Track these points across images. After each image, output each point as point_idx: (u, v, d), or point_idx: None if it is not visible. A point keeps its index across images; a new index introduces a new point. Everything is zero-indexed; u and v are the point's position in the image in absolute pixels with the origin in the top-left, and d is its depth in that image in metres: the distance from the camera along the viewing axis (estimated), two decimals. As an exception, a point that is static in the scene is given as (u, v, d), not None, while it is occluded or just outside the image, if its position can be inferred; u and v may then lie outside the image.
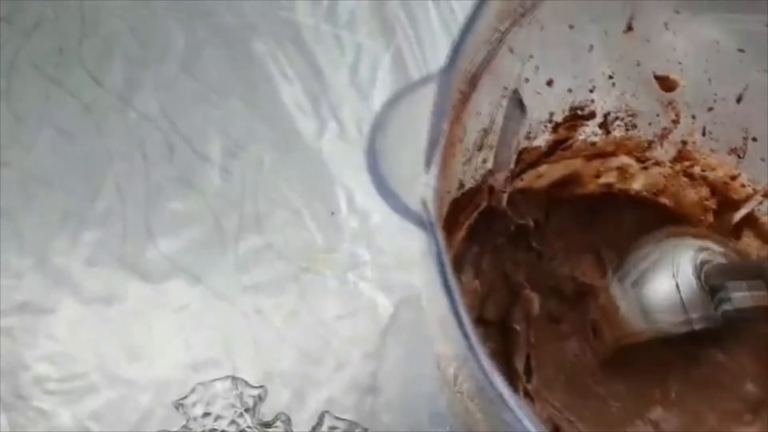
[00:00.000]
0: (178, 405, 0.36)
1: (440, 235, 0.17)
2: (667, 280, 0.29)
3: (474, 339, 0.16)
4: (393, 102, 0.19)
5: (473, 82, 0.21)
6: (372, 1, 0.56)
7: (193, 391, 0.37)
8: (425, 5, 0.56)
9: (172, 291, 0.48)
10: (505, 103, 0.23)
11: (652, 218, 0.32)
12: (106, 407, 0.46)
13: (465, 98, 0.21)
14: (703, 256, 0.29)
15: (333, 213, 0.51)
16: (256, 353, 0.47)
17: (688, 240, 0.30)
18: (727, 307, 0.29)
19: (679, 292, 0.29)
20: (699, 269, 0.29)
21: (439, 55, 0.55)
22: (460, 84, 0.21)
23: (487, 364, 0.16)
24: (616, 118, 0.28)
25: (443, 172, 0.20)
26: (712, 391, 0.32)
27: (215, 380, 0.37)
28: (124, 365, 0.47)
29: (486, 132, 0.24)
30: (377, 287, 0.49)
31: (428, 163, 0.19)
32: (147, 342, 0.47)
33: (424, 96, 0.19)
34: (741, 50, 0.24)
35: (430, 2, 0.56)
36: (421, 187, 0.19)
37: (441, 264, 0.17)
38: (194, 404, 0.37)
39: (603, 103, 0.27)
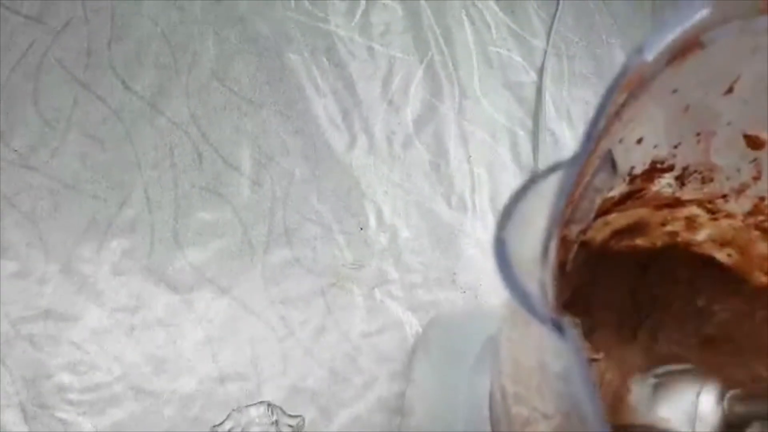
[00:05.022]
0: None
1: (574, 335, 0.16)
2: (690, 390, 0.29)
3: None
4: (522, 191, 0.18)
5: (589, 156, 0.20)
6: (406, 15, 0.55)
7: (228, 417, 0.36)
8: (460, 20, 0.56)
9: (199, 302, 0.48)
10: (596, 162, 0.23)
11: (707, 280, 0.32)
12: (129, 419, 0.45)
13: (580, 176, 0.20)
14: (735, 391, 0.29)
15: (362, 228, 0.50)
16: (282, 369, 0.47)
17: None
18: None
19: (696, 405, 0.28)
20: (724, 393, 0.29)
21: (472, 71, 0.55)
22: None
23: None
24: (695, 171, 0.28)
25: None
26: None
27: (249, 406, 0.36)
28: (149, 376, 0.46)
29: (573, 189, 0.23)
30: (404, 306, 0.49)
31: (545, 255, 0.18)
32: (172, 353, 0.47)
33: (552, 184, 0.18)
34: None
35: (465, 17, 0.56)
36: (538, 278, 0.18)
37: (578, 362, 0.16)
38: (229, 431, 0.36)
39: (684, 156, 0.27)
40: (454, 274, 0.50)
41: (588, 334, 0.32)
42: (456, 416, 0.41)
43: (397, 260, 0.50)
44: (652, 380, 0.29)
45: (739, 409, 0.27)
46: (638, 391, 0.29)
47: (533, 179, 0.18)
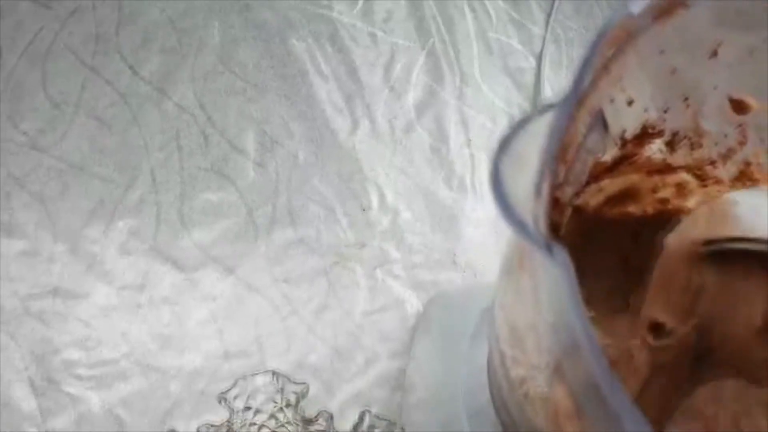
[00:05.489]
0: (221, 398, 0.37)
1: (569, 261, 0.17)
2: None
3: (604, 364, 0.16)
4: (518, 126, 0.19)
5: (579, 104, 0.21)
6: (408, 2, 0.56)
7: (234, 384, 0.37)
8: (461, 8, 0.57)
9: (204, 281, 0.49)
10: (588, 120, 0.24)
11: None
12: (135, 394, 0.46)
13: (572, 119, 0.21)
14: None
15: (364, 210, 0.51)
16: (286, 346, 0.48)
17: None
18: None
19: None
20: None
21: (473, 58, 0.56)
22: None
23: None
24: (684, 137, 0.29)
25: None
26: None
27: (256, 374, 0.37)
28: (155, 353, 0.47)
29: (566, 146, 0.24)
30: (405, 285, 0.50)
31: (539, 190, 0.19)
32: (178, 331, 0.48)
33: (546, 122, 0.19)
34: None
35: (466, 5, 0.57)
36: (532, 212, 0.19)
37: (570, 286, 0.17)
38: (236, 397, 0.37)
39: (673, 121, 0.28)
40: (454, 254, 0.51)
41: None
42: (456, 388, 0.42)
43: (399, 241, 0.51)
44: None
45: None
46: None
47: (526, 119, 0.19)
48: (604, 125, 0.23)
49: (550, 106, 0.19)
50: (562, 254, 0.17)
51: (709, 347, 0.32)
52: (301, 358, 0.47)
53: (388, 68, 0.55)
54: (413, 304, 0.49)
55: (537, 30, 0.58)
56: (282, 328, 0.48)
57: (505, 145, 0.18)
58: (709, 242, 0.32)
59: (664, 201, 0.32)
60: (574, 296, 0.16)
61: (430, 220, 0.51)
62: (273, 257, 0.50)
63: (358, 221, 0.51)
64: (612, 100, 0.24)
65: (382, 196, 0.51)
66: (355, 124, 0.53)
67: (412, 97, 0.54)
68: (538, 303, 0.24)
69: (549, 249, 0.17)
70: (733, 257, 0.31)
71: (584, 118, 0.22)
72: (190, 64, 0.53)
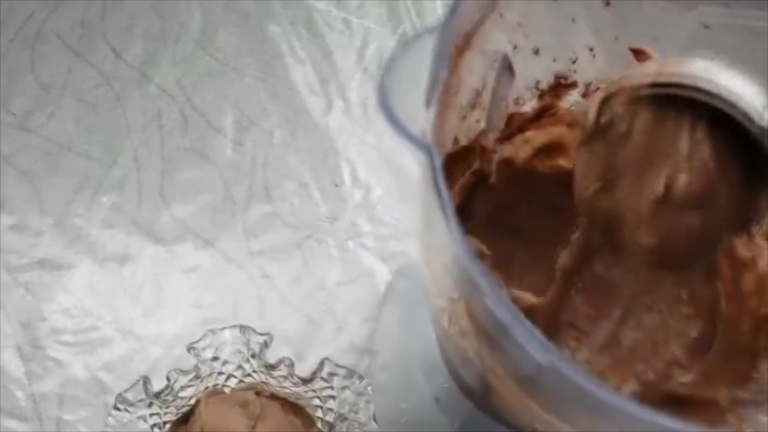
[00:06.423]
0: (190, 348, 0.39)
1: (437, 154, 0.19)
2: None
3: (459, 232, 0.19)
4: (403, 47, 0.21)
5: (467, 39, 0.23)
6: (381, -12, 0.59)
7: (203, 336, 0.39)
8: (431, -6, 0.59)
9: (184, 253, 0.51)
10: (496, 66, 0.26)
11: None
12: (117, 359, 0.48)
13: (460, 52, 0.23)
14: None
15: (337, 185, 0.53)
16: (261, 315, 0.50)
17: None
18: None
19: None
20: None
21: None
22: (456, 38, 0.24)
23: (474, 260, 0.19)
24: (597, 88, 0.31)
25: (440, 119, 0.23)
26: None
27: (224, 328, 0.40)
28: (136, 321, 0.49)
29: (479, 93, 0.26)
30: (376, 256, 0.52)
31: (428, 103, 0.21)
32: (158, 300, 0.50)
33: (430, 44, 0.21)
34: (706, 26, 0.27)
35: (436, -9, 0.59)
36: (422, 122, 0.21)
37: (435, 176, 0.19)
38: (204, 348, 0.39)
39: (584, 73, 0.30)
40: (423, 227, 0.53)
41: (507, 263, 0.34)
42: (416, 351, 0.45)
43: (370, 214, 0.53)
44: None
45: None
46: None
47: (412, 39, 0.21)
48: (510, 70, 0.25)
49: (432, 29, 0.21)
50: (437, 157, 0.19)
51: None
52: (274, 327, 0.49)
53: (361, 52, 0.57)
54: (383, 273, 0.52)
55: (505, 15, 0.60)
56: (257, 299, 0.50)
57: (392, 62, 0.21)
58: (653, 85, 0.28)
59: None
60: (442, 193, 0.19)
61: (400, 195, 0.54)
62: (249, 231, 0.52)
63: (331, 196, 0.53)
64: (516, 47, 0.26)
65: (354, 172, 0.54)
66: (329, 105, 0.55)
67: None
68: (449, 275, 0.26)
69: (428, 151, 0.19)
70: (668, 106, 0.28)
71: (488, 62, 0.24)
72: (172, 49, 0.56)
